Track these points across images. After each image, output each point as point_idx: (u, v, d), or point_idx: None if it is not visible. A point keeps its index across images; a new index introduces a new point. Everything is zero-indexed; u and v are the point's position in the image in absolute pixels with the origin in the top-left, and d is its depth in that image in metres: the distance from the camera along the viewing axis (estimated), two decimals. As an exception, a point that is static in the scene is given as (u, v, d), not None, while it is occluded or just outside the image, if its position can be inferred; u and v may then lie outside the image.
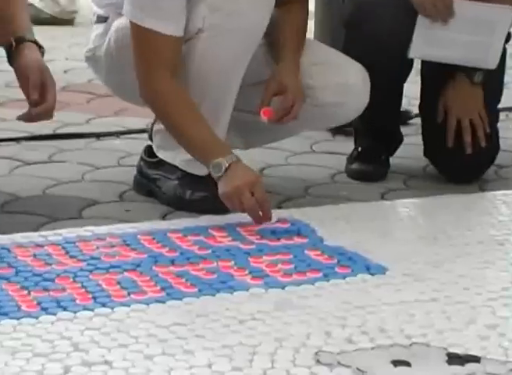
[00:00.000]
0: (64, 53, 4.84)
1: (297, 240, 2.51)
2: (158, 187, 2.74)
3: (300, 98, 2.66)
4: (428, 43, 2.88)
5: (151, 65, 2.57)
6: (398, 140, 3.14)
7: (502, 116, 3.28)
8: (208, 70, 2.58)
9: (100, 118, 3.40)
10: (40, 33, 4.68)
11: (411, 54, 2.92)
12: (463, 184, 3.02)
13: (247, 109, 2.70)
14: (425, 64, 3.07)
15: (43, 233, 2.49)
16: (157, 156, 2.75)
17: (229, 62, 2.58)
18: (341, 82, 2.74)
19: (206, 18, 2.53)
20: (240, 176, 2.48)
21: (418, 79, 3.16)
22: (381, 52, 2.89)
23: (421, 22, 2.85)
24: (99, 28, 2.78)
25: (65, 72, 4.46)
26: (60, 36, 5.39)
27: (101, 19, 2.77)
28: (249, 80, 2.65)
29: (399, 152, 3.19)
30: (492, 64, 2.96)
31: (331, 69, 2.76)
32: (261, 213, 2.49)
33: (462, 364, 1.85)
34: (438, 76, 3.03)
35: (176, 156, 2.66)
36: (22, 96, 3.69)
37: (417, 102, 3.23)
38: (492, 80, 3.03)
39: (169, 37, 2.52)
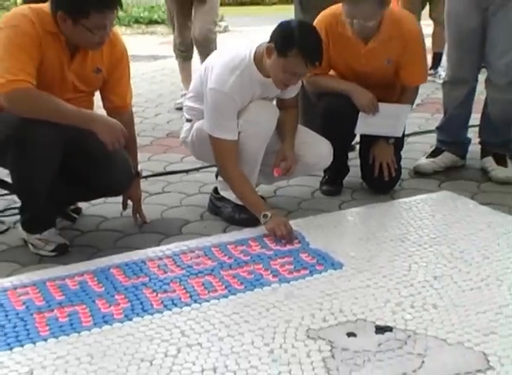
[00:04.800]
0: (164, 108, 4.68)
1: (296, 245, 2.45)
2: (221, 211, 2.75)
3: (295, 163, 2.71)
4: (365, 125, 2.92)
5: (224, 157, 2.60)
6: (347, 171, 3.13)
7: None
8: (244, 154, 2.62)
9: (188, 156, 3.35)
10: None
11: (356, 131, 2.98)
12: (382, 194, 3.04)
13: (269, 164, 2.73)
14: (363, 134, 3.06)
15: (161, 248, 2.44)
16: (220, 194, 2.77)
17: (254, 148, 2.63)
18: (317, 153, 2.79)
19: (242, 126, 2.56)
20: (279, 220, 2.52)
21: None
22: (341, 131, 2.94)
23: (362, 114, 2.88)
24: (187, 126, 2.78)
25: (167, 122, 4.34)
26: (166, 93, 5.18)
27: (188, 120, 2.77)
28: (269, 150, 2.68)
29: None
30: (399, 134, 3.01)
31: (312, 146, 2.77)
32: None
33: (383, 333, 1.86)
34: (369, 139, 3.04)
35: (230, 195, 2.68)
36: (147, 142, 3.81)
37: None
38: (399, 140, 3.07)
39: (231, 140, 2.55)
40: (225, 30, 9.52)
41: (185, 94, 4.26)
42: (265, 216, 2.49)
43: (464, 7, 3.04)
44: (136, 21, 9.54)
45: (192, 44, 4.47)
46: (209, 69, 2.57)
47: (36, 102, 2.19)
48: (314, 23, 2.82)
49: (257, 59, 2.51)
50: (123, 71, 2.53)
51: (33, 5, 2.30)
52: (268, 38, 2.49)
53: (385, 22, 2.77)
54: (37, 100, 2.19)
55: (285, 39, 2.38)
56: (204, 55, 4.27)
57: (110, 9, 2.24)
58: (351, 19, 2.70)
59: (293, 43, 2.36)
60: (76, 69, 2.37)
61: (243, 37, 8.97)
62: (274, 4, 15.24)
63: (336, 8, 2.81)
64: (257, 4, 15.51)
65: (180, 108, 4.10)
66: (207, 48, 4.30)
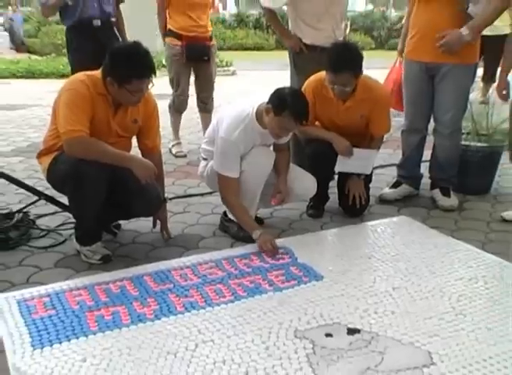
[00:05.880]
0: (185, 140, 4.56)
1: (286, 259, 2.42)
2: (229, 230, 2.73)
3: (287, 194, 2.74)
4: (342, 165, 2.94)
5: (226, 190, 2.62)
6: (327, 199, 3.14)
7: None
8: (246, 188, 2.63)
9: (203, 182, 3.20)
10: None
11: (336, 169, 2.99)
12: (354, 218, 3.03)
13: (267, 194, 2.74)
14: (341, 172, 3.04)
15: (183, 259, 2.42)
16: (228, 216, 2.77)
17: (255, 184, 2.64)
18: (305, 186, 2.82)
19: (245, 166, 2.58)
20: (267, 238, 2.52)
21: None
22: (324, 169, 2.98)
23: (340, 157, 2.91)
24: (203, 163, 2.79)
25: (188, 152, 4.31)
26: (186, 127, 4.97)
27: (204, 159, 2.79)
28: (267, 183, 2.69)
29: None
30: (368, 172, 3.02)
31: (300, 180, 2.79)
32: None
33: (353, 334, 1.86)
34: (345, 175, 3.05)
35: None
36: (171, 169, 3.72)
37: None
38: (368, 176, 3.09)
39: (233, 178, 2.56)
40: (233, 73, 9.56)
41: (176, 144, 4.26)
42: (256, 234, 2.50)
43: (416, 73, 3.09)
44: (164, 66, 9.58)
45: (187, 99, 4.15)
46: (220, 121, 2.62)
47: (88, 147, 2.25)
48: (304, 87, 2.89)
49: (258, 115, 2.56)
50: (154, 121, 2.58)
51: (88, 72, 2.39)
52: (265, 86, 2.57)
53: (359, 87, 2.83)
54: (89, 145, 2.26)
55: (279, 102, 2.43)
56: (204, 111, 4.20)
57: (147, 77, 2.30)
58: (332, 85, 2.76)
59: (286, 106, 2.40)
60: (119, 121, 2.44)
61: (248, 79, 8.95)
62: (272, 50, 15.41)
63: (321, 74, 2.86)
64: (258, 49, 15.67)
65: (179, 156, 4.15)
66: (209, 105, 4.23)
